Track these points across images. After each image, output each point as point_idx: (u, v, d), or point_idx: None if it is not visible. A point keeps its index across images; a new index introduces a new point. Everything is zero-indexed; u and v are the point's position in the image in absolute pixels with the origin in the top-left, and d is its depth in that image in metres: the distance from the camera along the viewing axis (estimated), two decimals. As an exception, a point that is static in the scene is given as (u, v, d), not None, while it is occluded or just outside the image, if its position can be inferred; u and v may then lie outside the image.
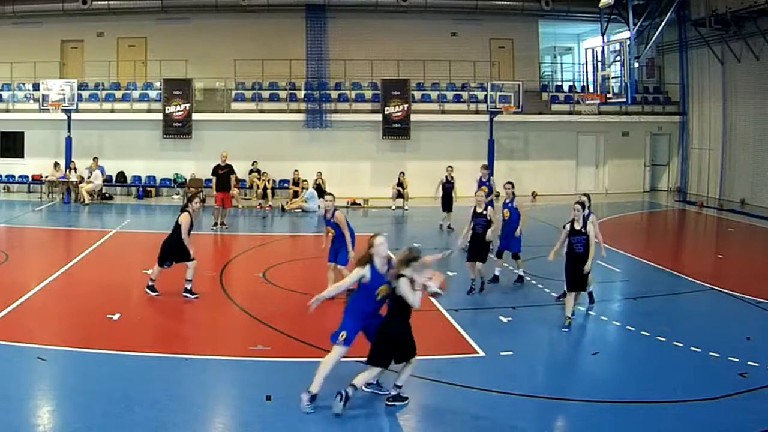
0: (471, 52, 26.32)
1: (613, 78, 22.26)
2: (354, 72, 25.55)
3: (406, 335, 6.75)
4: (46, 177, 22.86)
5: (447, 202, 17.81)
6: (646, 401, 6.98)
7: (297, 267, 13.75)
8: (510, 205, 11.74)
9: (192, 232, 10.62)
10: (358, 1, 25.36)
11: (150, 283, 10.52)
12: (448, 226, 17.39)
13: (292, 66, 24.92)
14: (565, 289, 9.75)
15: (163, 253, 10.45)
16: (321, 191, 21.95)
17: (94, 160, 22.80)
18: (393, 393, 6.88)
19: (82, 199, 21.68)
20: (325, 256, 10.59)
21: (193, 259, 10.43)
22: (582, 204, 9.34)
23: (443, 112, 25.14)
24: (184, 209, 10.58)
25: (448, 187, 17.83)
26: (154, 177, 24.45)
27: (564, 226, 9.55)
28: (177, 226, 10.41)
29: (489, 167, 18.04)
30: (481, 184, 15.33)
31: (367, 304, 6.86)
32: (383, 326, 6.78)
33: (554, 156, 25.92)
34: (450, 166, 18.26)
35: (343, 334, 6.71)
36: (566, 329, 9.19)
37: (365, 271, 6.79)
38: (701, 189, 24.83)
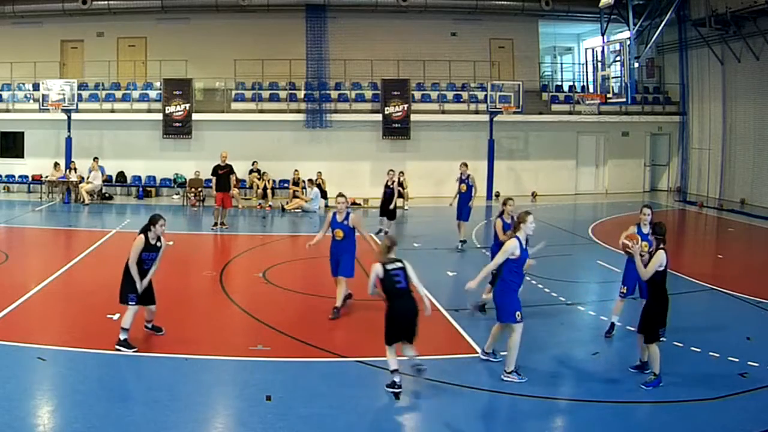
0: (471, 52, 26.31)
1: (613, 78, 22.22)
2: (354, 72, 25.55)
3: None
4: (46, 177, 22.85)
5: (386, 209, 16.52)
6: (646, 401, 6.99)
7: (297, 267, 13.73)
8: (466, 180, 14.68)
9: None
10: (358, 1, 25.35)
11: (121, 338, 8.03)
12: (385, 231, 16.00)
13: (292, 66, 24.91)
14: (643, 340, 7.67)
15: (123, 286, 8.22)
16: (321, 191, 22.02)
17: (94, 160, 22.79)
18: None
19: (82, 199, 21.67)
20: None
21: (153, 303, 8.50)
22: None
23: (443, 112, 25.13)
24: (143, 230, 8.22)
25: (387, 192, 16.59)
26: (154, 177, 24.44)
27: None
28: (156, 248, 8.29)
29: (468, 164, 16.28)
30: (460, 182, 15.14)
31: (517, 277, 7.48)
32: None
33: (554, 156, 25.91)
34: (391, 170, 17.33)
35: (518, 314, 7.37)
36: (651, 386, 7.32)
37: (515, 247, 7.36)
38: (701, 189, 24.83)
